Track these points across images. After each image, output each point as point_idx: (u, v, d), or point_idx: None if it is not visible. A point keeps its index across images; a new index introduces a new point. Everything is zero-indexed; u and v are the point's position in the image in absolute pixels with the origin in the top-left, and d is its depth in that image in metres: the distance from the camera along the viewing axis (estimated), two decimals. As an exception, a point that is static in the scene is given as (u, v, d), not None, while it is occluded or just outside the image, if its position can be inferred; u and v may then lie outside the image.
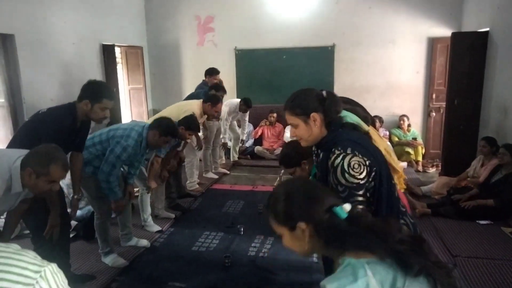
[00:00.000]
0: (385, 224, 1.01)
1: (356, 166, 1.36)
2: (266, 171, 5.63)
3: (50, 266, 0.87)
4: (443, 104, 5.41)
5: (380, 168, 1.41)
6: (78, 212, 3.57)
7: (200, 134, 4.50)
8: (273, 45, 6.35)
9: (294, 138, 1.62)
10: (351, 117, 1.86)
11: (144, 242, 3.29)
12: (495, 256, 2.89)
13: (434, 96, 5.96)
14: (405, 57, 6.01)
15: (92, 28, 5.26)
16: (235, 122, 5.84)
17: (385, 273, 0.91)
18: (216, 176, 5.29)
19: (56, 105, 2.50)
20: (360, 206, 1.36)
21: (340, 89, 5.93)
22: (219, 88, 4.79)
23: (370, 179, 1.39)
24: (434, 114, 6.01)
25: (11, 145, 2.30)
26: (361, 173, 1.36)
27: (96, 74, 5.39)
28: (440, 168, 5.36)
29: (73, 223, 3.22)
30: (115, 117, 5.61)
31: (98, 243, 2.98)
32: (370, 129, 2.04)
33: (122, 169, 3.01)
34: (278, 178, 5.24)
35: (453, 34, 4.92)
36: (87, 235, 3.34)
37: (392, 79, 6.07)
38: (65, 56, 4.77)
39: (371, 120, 2.55)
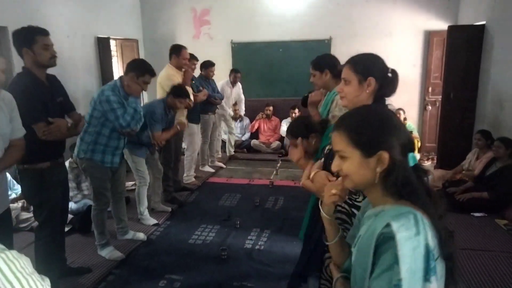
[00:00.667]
0: (437, 195, 1.00)
1: None
2: (262, 165, 5.64)
3: (4, 253, 0.84)
4: (439, 97, 5.42)
5: None
6: (74, 206, 3.58)
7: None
8: (270, 38, 6.32)
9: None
10: None
11: (141, 236, 3.29)
12: (489, 248, 2.92)
13: (430, 89, 5.97)
14: (402, 50, 6.00)
15: (86, 20, 5.21)
16: (230, 119, 5.82)
17: (432, 236, 0.88)
18: (212, 170, 5.30)
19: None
20: None
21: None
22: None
23: None
24: (430, 107, 6.02)
25: None
26: None
27: (91, 67, 5.35)
28: (435, 161, 5.39)
29: (69, 216, 3.22)
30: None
31: (95, 236, 2.98)
32: None
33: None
34: (275, 172, 5.24)
35: (449, 27, 4.92)
36: (83, 228, 3.33)
37: (388, 72, 6.06)
38: (59, 49, 4.69)
39: None
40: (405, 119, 5.93)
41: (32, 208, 2.61)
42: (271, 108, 6.32)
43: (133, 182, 3.59)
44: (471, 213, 3.54)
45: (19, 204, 3.46)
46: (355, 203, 1.36)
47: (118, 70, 6.10)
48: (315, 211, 1.54)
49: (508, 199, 3.47)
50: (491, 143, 3.91)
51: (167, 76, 4.09)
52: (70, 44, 4.92)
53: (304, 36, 6.21)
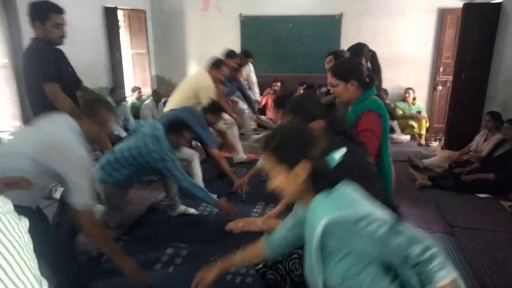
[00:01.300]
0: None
1: None
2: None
3: None
4: (450, 77, 5.34)
5: None
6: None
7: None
8: (279, 12, 6.20)
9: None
10: None
11: (192, 210, 3.31)
12: (492, 228, 2.94)
13: (441, 69, 5.88)
14: (414, 28, 5.88)
15: (94, -11, 5.13)
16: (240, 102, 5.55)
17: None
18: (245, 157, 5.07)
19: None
20: None
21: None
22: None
23: None
24: (440, 87, 5.95)
25: None
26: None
27: (99, 36, 5.31)
28: (443, 142, 5.36)
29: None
30: (118, 82, 5.58)
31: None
32: None
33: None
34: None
35: (464, 5, 4.79)
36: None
37: (399, 50, 5.96)
38: (67, 18, 4.66)
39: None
40: (414, 98, 5.87)
41: None
42: (279, 84, 6.27)
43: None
44: (476, 194, 3.55)
45: None
46: None
47: (125, 42, 6.04)
48: None
49: (514, 181, 3.47)
50: (501, 125, 3.87)
51: (209, 86, 3.98)
52: (77, 13, 4.85)
53: (314, 11, 6.08)
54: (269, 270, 1.64)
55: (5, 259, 0.64)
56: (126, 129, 5.05)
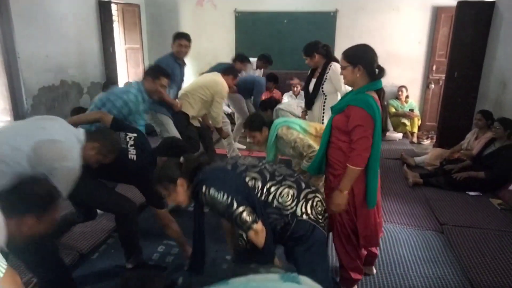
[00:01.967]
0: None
1: None
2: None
3: None
4: (443, 76, 5.37)
5: None
6: None
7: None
8: (274, 8, 6.18)
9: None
10: None
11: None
12: (481, 226, 2.98)
13: (434, 67, 5.91)
14: (408, 25, 5.89)
15: (87, -18, 5.07)
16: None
17: None
18: (244, 146, 5.25)
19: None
20: None
21: (340, 57, 5.84)
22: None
23: None
24: (433, 86, 5.98)
25: None
26: None
27: (92, 31, 5.26)
28: (434, 140, 5.40)
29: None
30: (111, 77, 5.54)
31: None
32: None
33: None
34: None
35: (459, 3, 4.81)
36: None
37: (393, 48, 5.98)
38: (60, 11, 4.62)
39: None
40: (407, 97, 5.91)
41: None
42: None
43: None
44: (466, 192, 3.59)
45: None
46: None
47: (119, 36, 5.99)
48: None
49: (503, 179, 3.52)
50: (492, 123, 3.91)
51: (224, 95, 3.94)
52: (71, 7, 4.81)
53: (309, 8, 6.08)
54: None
55: None
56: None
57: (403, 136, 5.70)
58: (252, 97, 5.12)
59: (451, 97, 4.92)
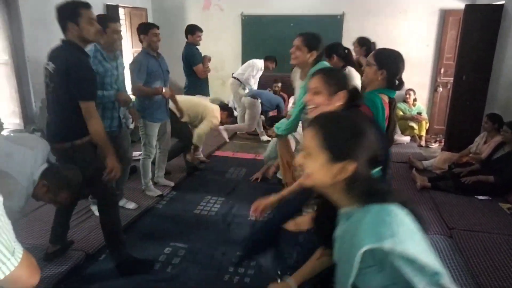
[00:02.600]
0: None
1: None
2: (268, 141, 5.64)
3: None
4: (451, 79, 5.33)
5: None
6: None
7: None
8: (281, 12, 6.19)
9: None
10: None
11: (131, 205, 3.31)
12: (490, 230, 2.94)
13: (442, 70, 5.86)
14: (416, 29, 5.86)
15: (96, -13, 5.12)
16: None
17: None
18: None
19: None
20: None
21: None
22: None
23: None
24: (441, 89, 5.93)
25: None
26: None
27: (100, 35, 5.30)
28: (443, 144, 5.35)
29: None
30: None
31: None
32: None
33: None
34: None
35: (466, 6, 4.78)
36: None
37: (400, 51, 5.77)
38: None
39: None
40: (415, 100, 5.87)
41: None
42: (279, 84, 6.25)
43: (140, 152, 3.62)
44: (475, 196, 3.55)
45: None
46: None
47: (126, 40, 6.04)
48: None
49: (513, 183, 3.47)
50: (500, 127, 3.87)
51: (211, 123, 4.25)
52: (79, 11, 4.85)
53: (316, 11, 6.07)
54: None
55: None
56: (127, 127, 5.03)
57: (411, 140, 5.66)
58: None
59: (460, 100, 4.87)
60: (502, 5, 4.51)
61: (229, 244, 2.83)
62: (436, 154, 4.81)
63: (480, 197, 3.53)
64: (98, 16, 2.71)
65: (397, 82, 1.98)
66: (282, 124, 2.63)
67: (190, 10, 6.58)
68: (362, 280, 0.91)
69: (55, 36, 4.56)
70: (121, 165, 2.98)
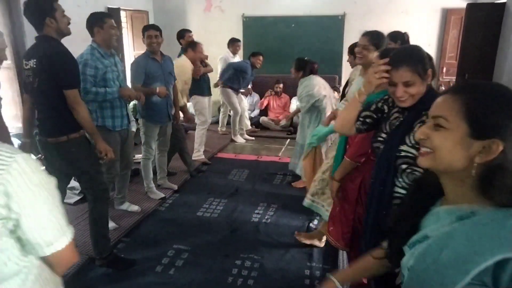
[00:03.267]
0: None
1: None
2: (270, 142, 5.64)
3: (22, 154, 0.85)
4: (453, 78, 5.31)
5: None
6: None
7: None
8: (282, 13, 6.20)
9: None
10: None
11: (135, 208, 3.31)
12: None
13: (444, 70, 5.85)
14: (417, 28, 5.83)
15: (97, -10, 5.14)
16: (242, 96, 5.72)
17: None
18: (243, 141, 5.61)
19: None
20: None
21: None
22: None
23: None
24: (443, 88, 5.91)
25: None
26: None
27: (102, 38, 5.32)
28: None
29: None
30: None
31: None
32: None
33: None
34: (283, 149, 5.25)
35: (468, 5, 4.76)
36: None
37: (402, 51, 5.92)
38: (70, 18, 4.67)
39: None
40: (417, 99, 5.85)
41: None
42: (281, 85, 6.25)
43: (141, 155, 3.61)
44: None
45: None
46: None
47: (128, 42, 6.06)
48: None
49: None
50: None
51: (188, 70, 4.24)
52: (81, 13, 4.83)
53: (317, 12, 6.07)
54: None
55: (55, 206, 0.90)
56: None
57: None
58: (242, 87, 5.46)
59: (462, 100, 4.85)
60: (504, 3, 4.48)
61: (232, 246, 2.83)
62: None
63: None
64: (95, 12, 2.78)
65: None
66: (318, 132, 2.58)
67: (191, 12, 6.59)
68: None
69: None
70: (124, 169, 3.02)
